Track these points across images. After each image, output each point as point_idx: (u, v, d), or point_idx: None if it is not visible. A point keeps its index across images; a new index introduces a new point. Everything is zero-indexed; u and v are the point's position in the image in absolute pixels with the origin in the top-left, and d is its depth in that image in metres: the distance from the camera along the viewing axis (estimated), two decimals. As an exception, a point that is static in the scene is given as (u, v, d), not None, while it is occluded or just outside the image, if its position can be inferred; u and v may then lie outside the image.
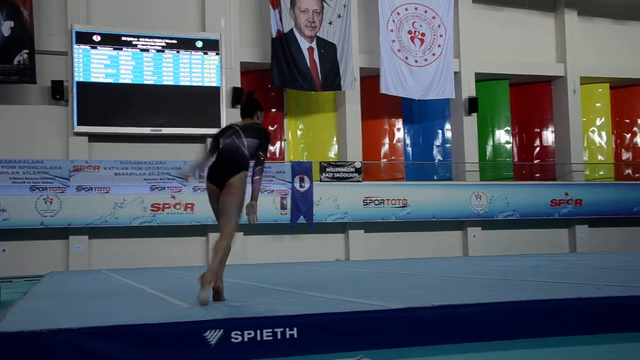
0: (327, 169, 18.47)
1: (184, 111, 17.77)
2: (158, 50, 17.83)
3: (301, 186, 17.56)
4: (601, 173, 21.78)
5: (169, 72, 17.88)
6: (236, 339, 3.60)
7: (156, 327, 3.59)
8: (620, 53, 22.06)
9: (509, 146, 21.16)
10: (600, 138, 22.04)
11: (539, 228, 20.41)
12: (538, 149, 21.59)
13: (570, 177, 20.97)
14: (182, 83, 17.91)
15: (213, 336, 3.57)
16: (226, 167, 4.97)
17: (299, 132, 19.82)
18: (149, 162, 17.15)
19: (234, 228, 5.03)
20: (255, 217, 5.02)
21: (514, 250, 19.82)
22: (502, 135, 21.07)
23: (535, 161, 21.52)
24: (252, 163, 5.14)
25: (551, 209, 19.99)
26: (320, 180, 17.92)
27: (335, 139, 19.71)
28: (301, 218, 17.47)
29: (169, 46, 17.90)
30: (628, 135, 22.47)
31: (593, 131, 21.98)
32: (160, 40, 17.84)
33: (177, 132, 17.75)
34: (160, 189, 16.93)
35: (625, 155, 22.47)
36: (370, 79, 19.24)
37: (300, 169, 17.61)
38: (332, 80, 18.62)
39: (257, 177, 5.07)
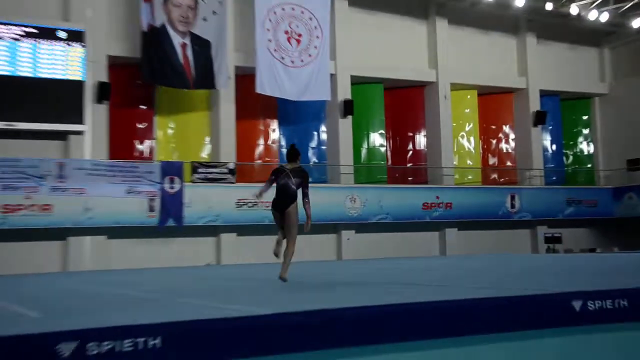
0: (199, 170, 18.12)
1: (42, 105, 16.75)
2: (14, 39, 16.73)
3: (171, 187, 17.06)
4: (469, 177, 22.59)
5: (27, 62, 16.82)
6: (93, 351, 3.37)
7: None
8: (488, 62, 23.12)
9: (383, 149, 21.56)
10: (469, 143, 22.95)
11: (411, 231, 20.90)
12: (411, 152, 22.14)
13: (440, 180, 21.59)
14: (40, 75, 16.89)
15: (66, 349, 3.31)
16: (285, 201, 7.99)
17: (169, 131, 19.27)
18: (1, 159, 16.01)
19: (294, 238, 8.04)
20: (309, 227, 7.91)
21: (386, 253, 20.15)
22: (377, 139, 21.46)
23: (408, 165, 22.06)
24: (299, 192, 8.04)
25: (423, 212, 20.51)
26: (192, 182, 17.65)
27: (208, 138, 19.40)
28: (170, 220, 17.02)
29: (28, 35, 16.85)
30: (494, 141, 23.54)
31: (462, 136, 22.83)
32: (17, 28, 16.74)
33: (34, 128, 16.75)
34: (13, 188, 15.82)
35: (492, 160, 23.48)
36: (245, 78, 19.06)
37: (170, 169, 17.11)
38: (205, 78, 18.29)
39: (307, 205, 7.99)
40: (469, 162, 22.90)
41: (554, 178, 23.84)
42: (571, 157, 25.09)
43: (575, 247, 22.33)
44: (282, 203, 8.10)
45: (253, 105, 19.60)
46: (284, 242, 8.16)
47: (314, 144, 20.63)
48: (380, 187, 20.49)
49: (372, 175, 21.07)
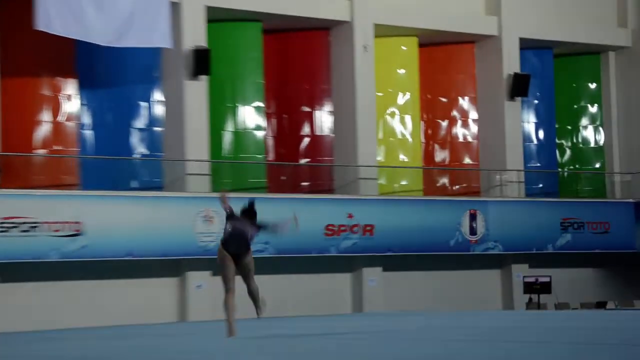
0: None
1: None
2: None
3: None
4: (403, 183, 22.64)
5: None
6: None
7: None
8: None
9: (260, 134, 21.46)
10: (403, 126, 22.87)
11: (306, 272, 20.77)
12: (307, 140, 22.00)
13: (355, 188, 21.60)
14: None
15: None
16: (240, 247, 11.16)
17: None
18: None
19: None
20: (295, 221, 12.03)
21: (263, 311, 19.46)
22: (250, 116, 21.32)
23: (303, 160, 21.94)
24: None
25: (326, 240, 20.57)
26: None
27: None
28: None
29: None
30: (444, 123, 23.61)
31: (392, 114, 22.76)
32: None
33: None
34: None
35: (440, 156, 23.63)
36: (14, 4, 18.60)
37: None
38: None
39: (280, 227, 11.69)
40: (402, 157, 22.86)
41: (541, 185, 24.09)
42: (569, 152, 25.34)
43: (573, 300, 22.50)
44: (237, 249, 11.11)
45: (31, 53, 19.12)
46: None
47: (141, 123, 20.36)
48: (256, 199, 19.49)
49: (242, 178, 21.07)
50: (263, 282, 19.13)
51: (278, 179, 21.45)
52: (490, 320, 15.13)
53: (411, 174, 22.80)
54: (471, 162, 23.53)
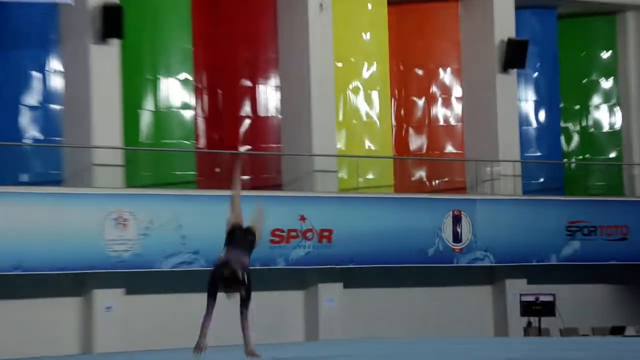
0: None
1: None
2: None
3: None
4: (370, 177, 22.51)
5: None
6: None
7: None
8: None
9: (188, 114, 21.44)
10: (369, 106, 22.71)
11: None
12: (248, 122, 22.07)
13: (310, 183, 21.66)
14: None
15: None
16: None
17: None
18: None
19: None
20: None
21: (189, 339, 18.91)
22: (176, 91, 21.23)
23: (242, 148, 21.96)
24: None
25: (272, 249, 20.46)
26: None
27: None
28: None
29: None
30: (421, 102, 23.53)
31: (356, 90, 22.59)
32: None
33: None
34: None
35: (416, 142, 23.61)
36: None
37: None
38: None
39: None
40: (368, 144, 22.75)
41: (542, 180, 24.12)
42: (576, 138, 25.50)
43: (582, 324, 22.50)
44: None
45: None
46: None
47: (33, 99, 20.26)
48: (183, 196, 20.52)
49: (166, 170, 21.15)
50: (192, 301, 18.04)
51: (211, 171, 21.30)
52: (475, 350, 14.41)
53: (379, 165, 22.53)
54: (455, 151, 23.57)
